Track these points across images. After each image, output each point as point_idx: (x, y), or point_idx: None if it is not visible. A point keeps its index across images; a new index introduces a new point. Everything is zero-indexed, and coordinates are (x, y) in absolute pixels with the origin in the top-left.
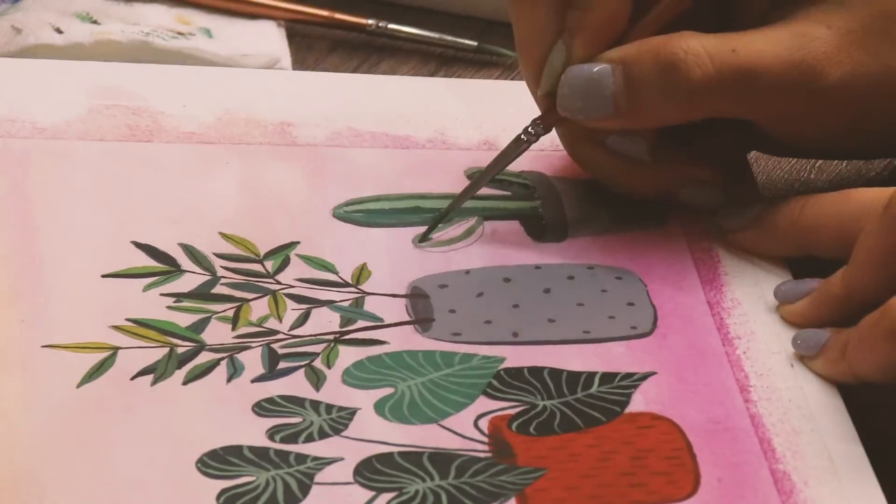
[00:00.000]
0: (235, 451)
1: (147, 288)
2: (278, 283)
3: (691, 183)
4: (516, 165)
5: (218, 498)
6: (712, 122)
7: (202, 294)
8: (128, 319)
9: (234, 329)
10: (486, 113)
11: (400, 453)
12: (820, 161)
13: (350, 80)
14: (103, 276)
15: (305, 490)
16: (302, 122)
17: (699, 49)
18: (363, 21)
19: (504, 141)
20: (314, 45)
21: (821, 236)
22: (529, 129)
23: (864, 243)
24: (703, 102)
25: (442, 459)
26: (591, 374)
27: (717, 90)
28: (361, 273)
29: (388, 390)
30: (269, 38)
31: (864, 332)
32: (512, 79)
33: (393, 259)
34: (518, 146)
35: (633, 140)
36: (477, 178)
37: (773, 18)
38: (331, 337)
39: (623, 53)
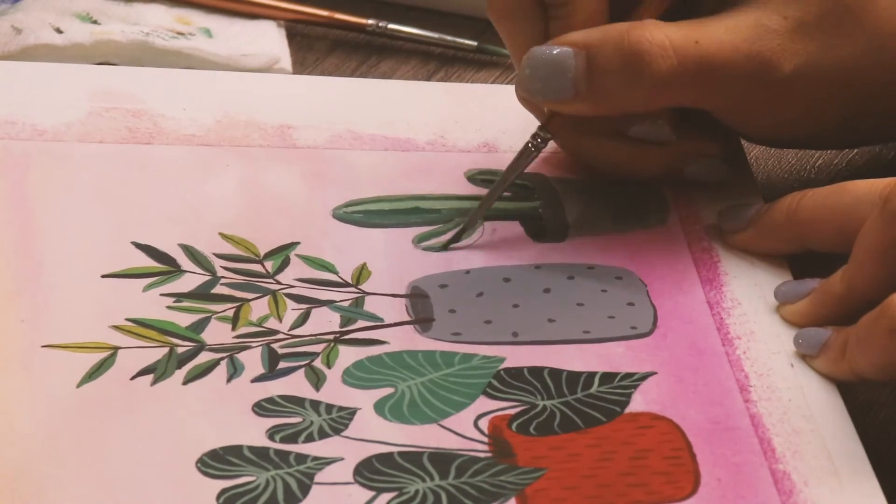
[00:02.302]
0: (235, 451)
1: (147, 288)
2: (278, 283)
3: (696, 159)
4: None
5: (218, 498)
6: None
7: (202, 294)
8: (128, 319)
9: (234, 329)
10: (485, 115)
11: (400, 453)
12: (820, 161)
13: (350, 83)
14: (103, 276)
15: (305, 490)
16: (302, 125)
17: (663, 40)
18: (363, 21)
19: (504, 143)
20: (314, 45)
21: (818, 230)
22: (538, 135)
23: (863, 241)
24: (664, 93)
25: (442, 459)
26: (591, 374)
27: (679, 81)
28: (361, 273)
29: (388, 390)
30: (269, 39)
31: (863, 330)
32: (512, 80)
33: (393, 259)
34: (527, 155)
35: (656, 124)
36: (490, 191)
37: (735, 1)
38: (331, 337)
39: (586, 38)
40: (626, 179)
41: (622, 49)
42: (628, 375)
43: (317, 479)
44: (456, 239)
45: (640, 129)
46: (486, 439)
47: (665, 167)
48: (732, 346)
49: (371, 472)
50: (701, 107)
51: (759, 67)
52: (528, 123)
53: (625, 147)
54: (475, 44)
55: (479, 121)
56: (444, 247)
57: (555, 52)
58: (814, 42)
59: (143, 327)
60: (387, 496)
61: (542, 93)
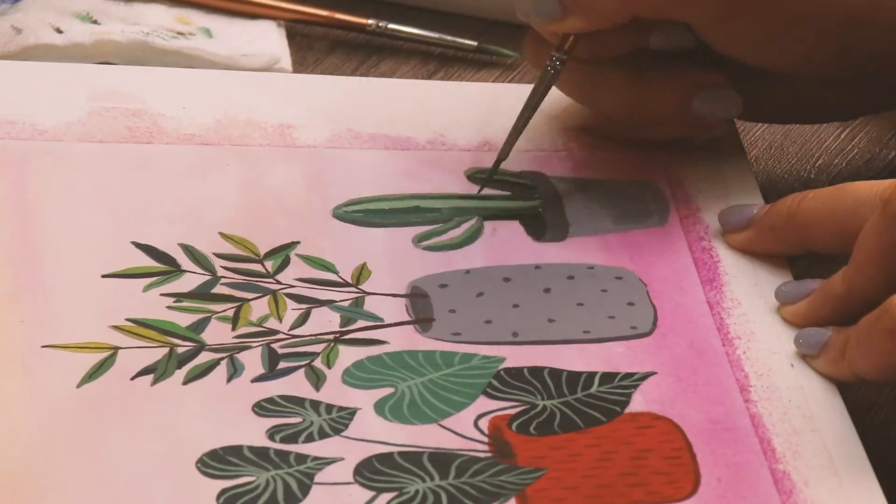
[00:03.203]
0: (235, 451)
1: (147, 288)
2: (278, 282)
3: (704, 92)
4: (516, 166)
5: (218, 498)
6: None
7: (202, 294)
8: (128, 319)
9: (234, 329)
10: (485, 114)
11: (400, 453)
12: (820, 161)
13: (350, 82)
14: (103, 276)
15: (305, 490)
16: (302, 125)
17: None
18: (363, 21)
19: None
20: (314, 45)
21: (818, 231)
22: (554, 55)
23: (864, 242)
24: None
25: (442, 459)
26: (591, 374)
27: None
28: (361, 273)
29: (388, 390)
30: (269, 38)
31: (863, 330)
32: (512, 79)
33: (393, 259)
34: (547, 76)
35: (675, 30)
36: (517, 119)
37: None
38: (331, 337)
39: None
40: (636, 125)
41: None
42: (628, 375)
43: (317, 479)
44: (493, 174)
45: (659, 38)
46: (486, 439)
47: (674, 101)
48: (732, 346)
49: (371, 472)
50: (681, 17)
51: None
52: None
53: (632, 82)
54: (475, 44)
55: (480, 120)
56: (485, 181)
57: None
58: None
59: (144, 327)
60: (387, 496)
61: (534, 12)
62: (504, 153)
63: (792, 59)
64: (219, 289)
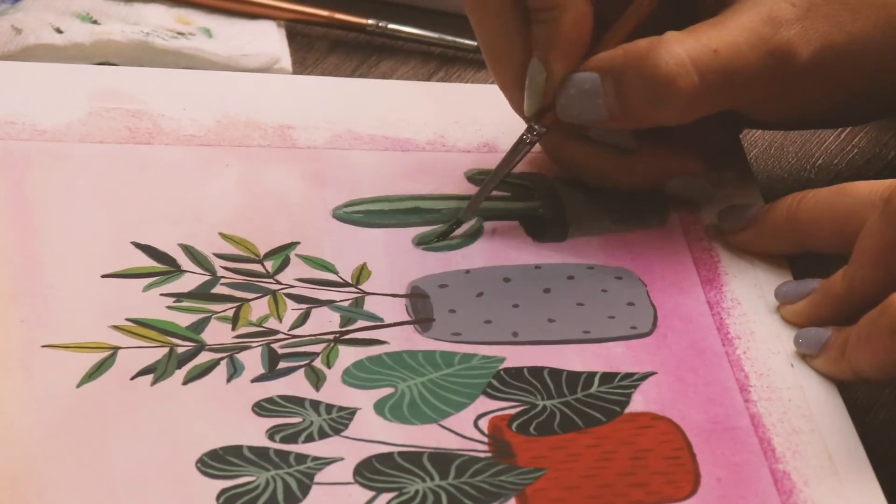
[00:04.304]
0: (235, 451)
1: (147, 288)
2: (278, 283)
3: (677, 178)
4: (516, 166)
5: (218, 498)
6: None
7: (202, 294)
8: (128, 319)
9: (234, 329)
10: (485, 115)
11: (400, 453)
12: (820, 161)
13: (350, 83)
14: (103, 276)
15: (305, 490)
16: (302, 126)
17: (683, 58)
18: (363, 21)
19: (504, 143)
20: (314, 45)
21: (819, 231)
22: (533, 128)
23: (864, 241)
24: (691, 108)
25: (442, 459)
26: (591, 374)
27: (703, 95)
28: (361, 273)
29: (388, 390)
30: (269, 38)
31: (863, 329)
32: None
33: (393, 259)
34: (521, 147)
35: (616, 130)
36: (485, 182)
37: None
38: (331, 337)
39: (610, 63)
40: (608, 188)
41: (644, 73)
42: (628, 375)
43: (317, 479)
44: (447, 234)
45: (598, 131)
46: (486, 439)
47: (643, 180)
48: (732, 346)
49: (371, 472)
50: (728, 108)
51: (778, 61)
52: (527, 124)
53: (599, 154)
54: (475, 44)
55: (479, 121)
56: (437, 239)
57: (585, 83)
58: (825, 23)
59: (143, 327)
60: (387, 496)
61: (582, 118)
62: (465, 215)
63: (818, 117)
64: (219, 289)
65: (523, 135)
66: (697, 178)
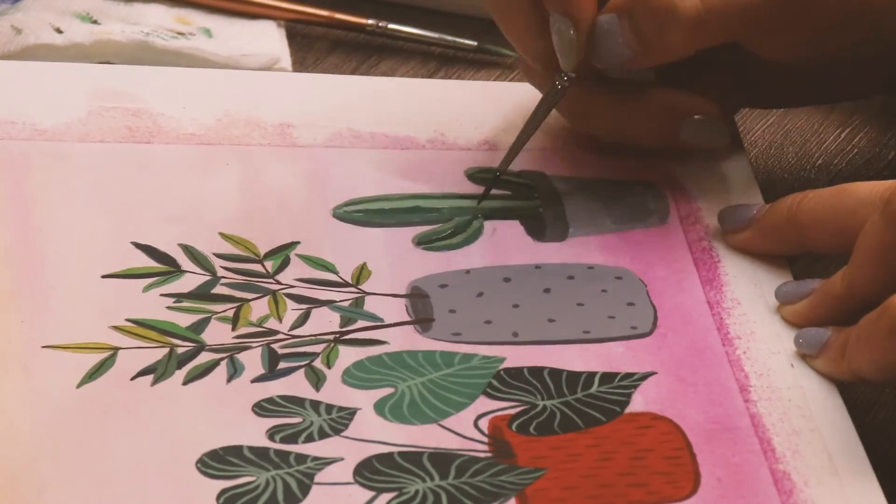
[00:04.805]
0: (235, 451)
1: (147, 288)
2: (278, 283)
3: (692, 120)
4: (516, 165)
5: (218, 498)
6: (703, 66)
7: (202, 294)
8: (128, 320)
9: (234, 329)
10: (486, 113)
11: (400, 453)
12: (820, 161)
13: (350, 81)
14: (103, 276)
15: (305, 490)
16: (302, 124)
17: None
18: (363, 21)
19: (504, 141)
20: (314, 45)
21: (819, 232)
22: (564, 73)
23: (864, 242)
24: (698, 34)
25: (442, 459)
26: (591, 374)
27: (707, 19)
28: (361, 273)
29: (388, 390)
30: (269, 38)
31: (863, 330)
32: (511, 79)
33: (393, 259)
34: (555, 94)
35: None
36: (521, 132)
37: None
38: (331, 337)
39: (618, 2)
40: (625, 144)
41: (649, 7)
42: (628, 375)
43: (317, 479)
44: (488, 190)
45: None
46: (486, 439)
47: (662, 124)
48: (732, 346)
49: (371, 472)
50: (735, 37)
51: None
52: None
53: (621, 104)
54: (475, 44)
55: (480, 119)
56: (479, 201)
57: (604, 24)
58: None
59: (143, 328)
60: (387, 496)
61: (609, 60)
62: (504, 166)
63: (820, 62)
64: (219, 289)
65: (556, 81)
66: (710, 120)
